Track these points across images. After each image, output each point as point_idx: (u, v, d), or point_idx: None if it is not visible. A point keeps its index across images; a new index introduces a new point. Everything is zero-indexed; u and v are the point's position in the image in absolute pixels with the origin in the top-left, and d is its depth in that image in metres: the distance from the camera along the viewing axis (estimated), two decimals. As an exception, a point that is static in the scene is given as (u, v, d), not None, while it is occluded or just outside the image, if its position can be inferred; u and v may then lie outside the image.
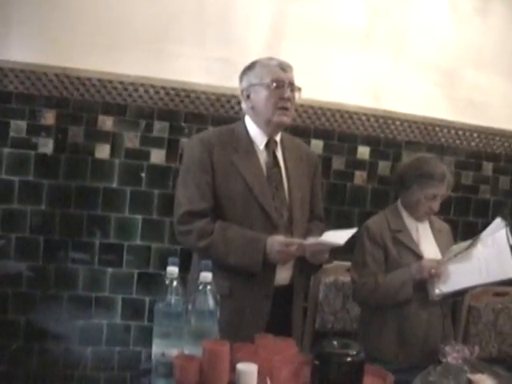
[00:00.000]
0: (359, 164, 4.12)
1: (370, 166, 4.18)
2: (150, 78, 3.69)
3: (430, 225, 3.05)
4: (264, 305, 2.60)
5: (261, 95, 2.63)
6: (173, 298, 2.05)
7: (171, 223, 3.67)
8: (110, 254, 3.72)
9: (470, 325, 3.38)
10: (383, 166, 4.21)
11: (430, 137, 4.29)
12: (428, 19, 4.22)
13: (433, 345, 2.86)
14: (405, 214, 3.01)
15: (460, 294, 2.99)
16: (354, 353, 2.05)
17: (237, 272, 2.53)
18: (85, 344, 3.69)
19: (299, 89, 2.68)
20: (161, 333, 2.05)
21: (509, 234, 2.74)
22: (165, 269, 2.08)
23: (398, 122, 4.19)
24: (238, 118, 3.76)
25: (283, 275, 2.65)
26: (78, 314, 3.67)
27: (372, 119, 4.13)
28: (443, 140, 4.33)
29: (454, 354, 2.48)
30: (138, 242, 3.74)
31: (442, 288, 2.83)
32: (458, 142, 4.37)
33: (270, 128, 2.67)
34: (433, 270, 2.81)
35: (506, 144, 4.50)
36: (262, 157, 2.68)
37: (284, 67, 2.66)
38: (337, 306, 3.50)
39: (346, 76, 4.01)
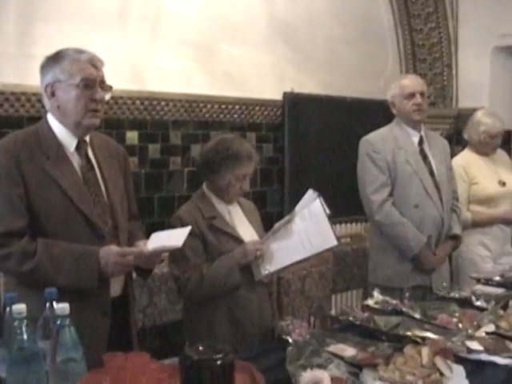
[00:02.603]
0: (129, 150, 3.90)
1: (141, 150, 4.02)
2: None
3: (239, 206, 2.99)
4: (103, 322, 2.36)
5: (69, 95, 2.32)
6: (25, 340, 1.73)
7: None
8: None
9: (282, 296, 3.43)
10: (153, 149, 4.07)
11: (195, 114, 4.26)
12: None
13: (267, 325, 2.85)
14: (214, 199, 2.91)
15: (284, 269, 2.99)
16: (223, 354, 1.97)
17: (66, 292, 2.22)
18: None
19: (110, 87, 2.42)
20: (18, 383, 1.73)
21: (323, 203, 2.78)
22: None
23: (163, 103, 4.08)
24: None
25: (115, 287, 2.43)
26: None
27: (137, 102, 3.96)
28: (207, 115, 4.33)
29: (296, 330, 2.48)
30: None
31: (268, 268, 2.81)
32: (221, 115, 4.40)
33: (79, 130, 2.38)
34: (258, 252, 2.77)
35: (266, 113, 4.65)
36: (75, 160, 2.39)
37: (95, 63, 2.37)
38: (143, 301, 3.32)
39: (105, 59, 3.75)
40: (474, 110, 4.40)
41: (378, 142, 3.55)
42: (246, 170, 2.85)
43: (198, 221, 2.81)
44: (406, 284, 3.40)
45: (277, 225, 2.86)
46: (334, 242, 2.74)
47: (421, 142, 3.61)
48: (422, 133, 3.63)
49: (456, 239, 3.67)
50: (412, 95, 3.53)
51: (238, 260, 2.76)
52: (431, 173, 3.56)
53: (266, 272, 2.82)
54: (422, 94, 3.55)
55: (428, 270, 3.51)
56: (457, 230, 3.64)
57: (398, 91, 3.58)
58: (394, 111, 3.64)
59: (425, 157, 3.59)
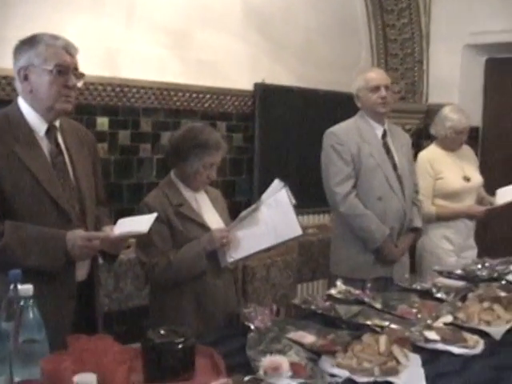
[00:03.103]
0: (99, 136, 3.91)
1: (111, 136, 4.02)
2: None
3: (206, 194, 3.03)
4: (68, 305, 2.39)
5: (42, 79, 2.33)
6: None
7: None
8: None
9: (247, 283, 3.48)
10: (123, 136, 4.08)
11: (166, 101, 4.27)
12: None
13: (232, 311, 2.89)
14: (182, 187, 2.94)
15: (249, 257, 3.04)
16: (184, 338, 2.03)
17: (33, 273, 2.24)
18: None
19: (83, 75, 2.44)
20: (-20, 362, 1.75)
21: (289, 193, 2.83)
22: None
23: (134, 90, 4.08)
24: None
25: (81, 271, 2.46)
26: None
27: (109, 88, 3.95)
28: (178, 104, 4.34)
29: (259, 317, 2.53)
30: None
31: (233, 255, 2.86)
32: (192, 104, 4.42)
33: (50, 115, 2.40)
34: (224, 240, 2.81)
35: (237, 103, 4.67)
36: (44, 145, 2.40)
37: (70, 49, 2.39)
38: (109, 286, 3.35)
39: (78, 44, 3.75)
40: (444, 105, 4.46)
41: (342, 134, 3.58)
42: (213, 159, 2.88)
43: (165, 207, 2.84)
44: (368, 275, 3.44)
45: (243, 213, 2.90)
46: (299, 232, 2.81)
47: (384, 135, 3.65)
48: (386, 126, 3.68)
49: (416, 232, 3.75)
50: (377, 88, 3.56)
51: (205, 247, 2.79)
52: (394, 166, 3.61)
53: (232, 259, 2.87)
54: (386, 87, 3.59)
55: (390, 261, 3.57)
56: (417, 222, 3.71)
57: (362, 84, 3.61)
58: (359, 104, 3.67)
59: (388, 150, 3.63)
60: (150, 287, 3.04)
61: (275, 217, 2.82)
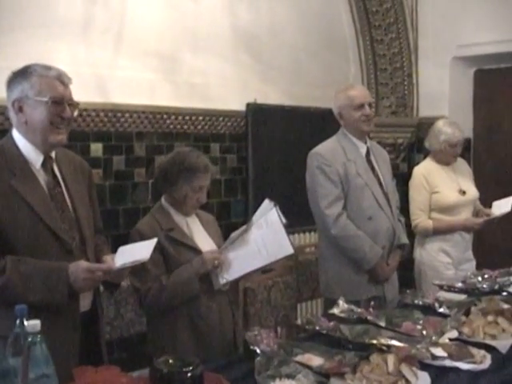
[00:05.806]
0: (94, 162, 3.90)
1: (105, 162, 4.02)
2: None
3: (198, 218, 3.04)
4: (72, 337, 2.37)
5: (37, 111, 2.32)
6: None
7: None
8: None
9: (248, 306, 3.47)
10: (118, 161, 4.07)
11: (159, 125, 4.28)
12: (144, 6, 4.18)
13: (228, 333, 2.93)
14: (172, 211, 2.95)
15: (243, 278, 3.04)
16: (192, 367, 2.01)
17: (36, 306, 2.20)
18: None
19: (77, 104, 2.43)
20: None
21: (279, 212, 2.83)
22: None
23: (127, 114, 4.09)
24: None
25: (84, 302, 2.45)
26: None
27: (101, 114, 3.96)
28: (172, 127, 4.34)
29: (264, 341, 2.50)
30: None
31: (226, 276, 2.86)
32: (185, 127, 4.42)
33: (46, 147, 2.39)
34: (216, 261, 2.82)
35: (229, 123, 4.68)
36: (41, 177, 2.39)
37: (63, 80, 2.37)
38: (110, 314, 3.32)
39: (68, 70, 3.75)
40: (435, 118, 4.50)
41: (328, 154, 3.48)
42: (202, 182, 2.90)
43: (156, 233, 2.81)
44: (362, 296, 3.38)
45: (233, 234, 2.93)
46: (291, 251, 2.82)
47: (368, 153, 3.59)
48: (368, 144, 3.63)
49: (403, 248, 3.69)
50: (361, 106, 3.48)
51: (197, 269, 2.80)
52: (380, 184, 3.56)
53: (224, 281, 2.87)
54: (369, 104, 3.53)
55: (382, 280, 3.50)
56: (404, 239, 3.66)
57: (346, 102, 3.52)
58: (342, 122, 3.58)
59: (373, 168, 3.57)
60: (145, 313, 3.03)
61: (266, 236, 2.83)
